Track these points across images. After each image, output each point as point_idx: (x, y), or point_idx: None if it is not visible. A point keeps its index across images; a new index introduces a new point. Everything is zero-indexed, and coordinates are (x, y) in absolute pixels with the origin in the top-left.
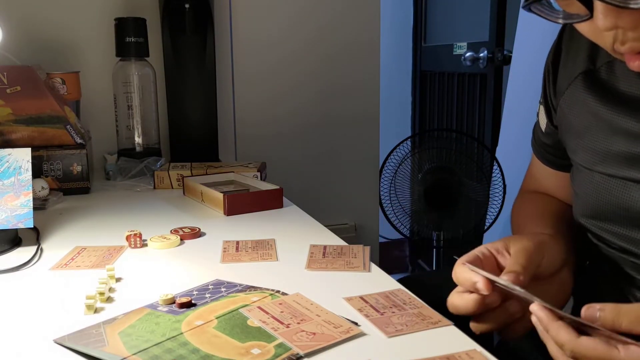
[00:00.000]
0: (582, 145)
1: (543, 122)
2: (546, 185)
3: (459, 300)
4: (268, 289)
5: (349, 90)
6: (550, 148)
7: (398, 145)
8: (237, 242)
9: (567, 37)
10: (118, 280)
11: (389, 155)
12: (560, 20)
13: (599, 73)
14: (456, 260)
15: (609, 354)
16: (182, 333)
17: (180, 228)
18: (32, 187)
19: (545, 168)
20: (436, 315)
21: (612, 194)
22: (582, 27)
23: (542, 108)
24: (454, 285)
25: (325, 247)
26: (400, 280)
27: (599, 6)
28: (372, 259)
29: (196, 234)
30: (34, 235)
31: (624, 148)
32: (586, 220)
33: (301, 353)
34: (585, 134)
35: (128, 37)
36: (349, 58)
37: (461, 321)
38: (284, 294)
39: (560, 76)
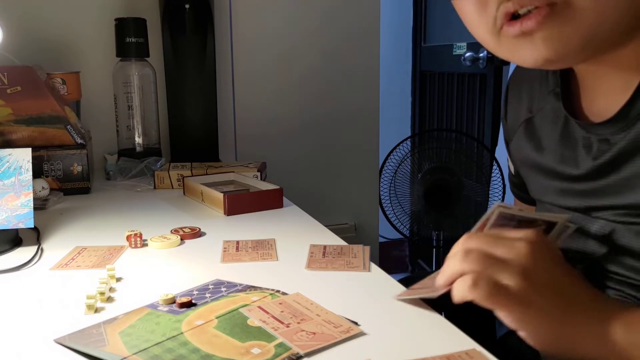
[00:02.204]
0: (531, 182)
1: (511, 165)
2: None
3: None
4: (268, 289)
5: (349, 90)
6: (521, 186)
7: (398, 145)
8: (237, 242)
9: (512, 89)
10: (118, 280)
11: (388, 155)
12: None
13: (535, 120)
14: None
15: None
16: (182, 333)
17: (181, 228)
18: (33, 187)
19: (522, 205)
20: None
21: None
22: (467, 7)
23: (508, 153)
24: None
25: (325, 247)
26: (400, 281)
27: None
28: (372, 259)
29: (196, 234)
30: (35, 235)
31: (552, 183)
32: None
33: (301, 353)
34: (530, 173)
35: (128, 37)
36: (349, 58)
37: (461, 321)
38: (284, 293)
39: (508, 124)
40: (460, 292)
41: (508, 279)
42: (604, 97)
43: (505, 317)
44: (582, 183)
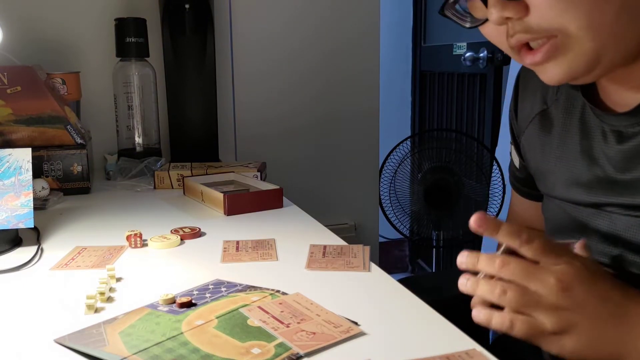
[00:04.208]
0: (541, 175)
1: (516, 159)
2: (527, 218)
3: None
4: (268, 289)
5: (349, 90)
6: (525, 181)
7: (398, 145)
8: (237, 242)
9: (522, 82)
10: (118, 280)
11: (388, 155)
12: (468, 25)
13: (550, 111)
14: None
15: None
16: (182, 333)
17: (181, 228)
18: (33, 187)
19: (524, 201)
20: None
21: (567, 214)
22: (489, 32)
23: (513, 147)
24: (455, 287)
25: (325, 247)
26: (400, 281)
27: (490, 0)
28: (372, 259)
29: (196, 234)
30: (35, 235)
31: (566, 176)
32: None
33: (301, 352)
34: (541, 165)
35: (128, 37)
36: (349, 58)
37: (460, 321)
38: (284, 293)
39: (519, 117)
40: (498, 328)
41: (543, 318)
42: (619, 95)
43: (545, 347)
44: (597, 175)
